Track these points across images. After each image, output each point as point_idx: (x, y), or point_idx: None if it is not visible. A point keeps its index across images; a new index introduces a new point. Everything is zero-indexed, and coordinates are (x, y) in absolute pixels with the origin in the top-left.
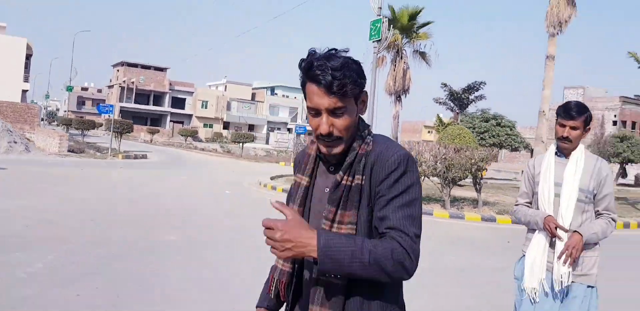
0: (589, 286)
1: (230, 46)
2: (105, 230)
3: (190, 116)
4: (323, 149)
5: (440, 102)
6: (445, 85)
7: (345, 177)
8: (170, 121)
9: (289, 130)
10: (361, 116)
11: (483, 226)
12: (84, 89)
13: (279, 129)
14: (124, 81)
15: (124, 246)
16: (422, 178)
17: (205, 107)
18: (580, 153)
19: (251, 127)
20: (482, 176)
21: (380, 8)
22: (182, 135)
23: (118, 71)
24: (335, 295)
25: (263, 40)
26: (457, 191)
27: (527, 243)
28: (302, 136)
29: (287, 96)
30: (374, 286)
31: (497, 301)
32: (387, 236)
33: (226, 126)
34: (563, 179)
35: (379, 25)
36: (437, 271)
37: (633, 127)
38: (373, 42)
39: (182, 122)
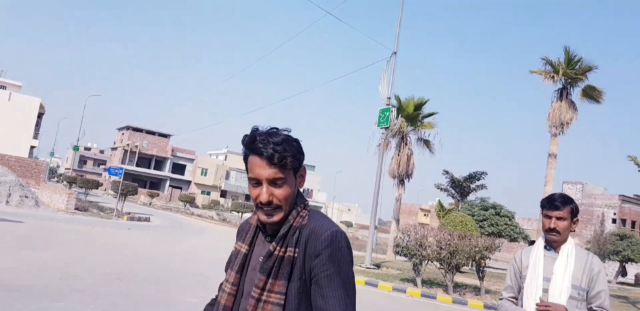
0: None
1: (234, 121)
2: (131, 288)
3: (189, 182)
4: (262, 218)
5: (441, 188)
6: (447, 172)
7: (277, 248)
8: (170, 185)
9: None
10: (299, 190)
11: None
12: (87, 148)
13: None
14: (128, 144)
15: (151, 305)
16: (426, 262)
17: (205, 175)
18: (570, 247)
19: (248, 196)
20: (484, 264)
21: (389, 98)
22: (181, 200)
23: (123, 134)
24: None
25: (269, 118)
26: (458, 277)
27: None
28: None
29: None
30: None
31: None
32: None
33: (223, 194)
34: (553, 274)
35: (387, 113)
36: None
37: (633, 226)
38: (381, 128)
39: (180, 188)
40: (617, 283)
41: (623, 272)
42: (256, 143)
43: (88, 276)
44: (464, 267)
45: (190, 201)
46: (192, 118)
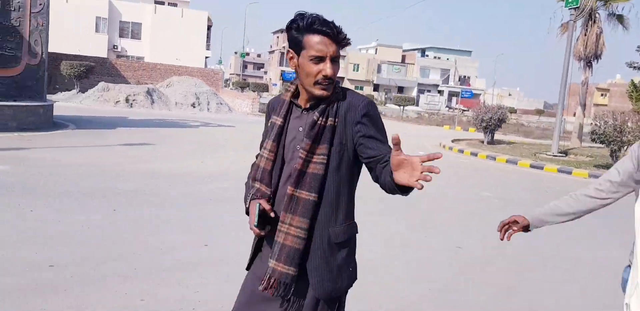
0: None
1: (381, 9)
2: None
3: (342, 78)
4: (320, 92)
5: (634, 67)
6: None
7: (321, 118)
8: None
9: (440, 92)
10: None
11: None
12: (247, 54)
13: (429, 91)
14: (284, 47)
15: None
16: (625, 148)
17: (357, 70)
18: None
19: (400, 89)
20: None
21: None
22: None
23: (278, 37)
24: (307, 207)
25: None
26: None
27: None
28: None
29: (439, 58)
30: (335, 203)
31: None
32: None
33: (376, 88)
34: None
35: None
36: None
37: None
38: (569, 9)
39: None
40: None
41: None
42: (318, 24)
43: None
44: None
45: None
46: (342, 15)
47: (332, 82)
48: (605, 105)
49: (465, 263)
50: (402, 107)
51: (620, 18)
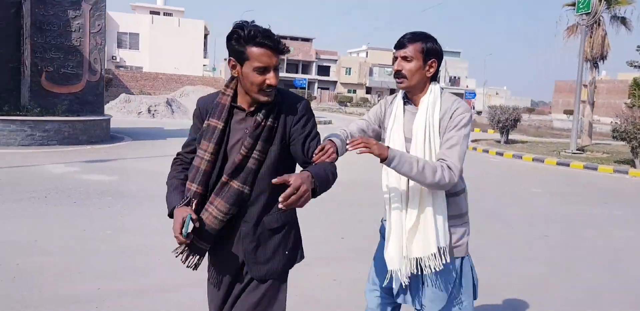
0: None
1: (371, 17)
2: None
3: (335, 82)
4: (265, 98)
5: (635, 66)
6: None
7: (264, 120)
8: (318, 88)
9: None
10: None
11: None
12: None
13: None
14: None
15: None
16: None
17: (349, 74)
18: (432, 98)
19: (392, 91)
20: None
21: None
22: (341, 101)
23: None
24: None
25: (402, 5)
26: None
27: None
28: (471, 100)
29: None
30: (269, 194)
31: None
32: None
33: (368, 91)
34: (412, 135)
35: None
36: None
37: None
38: (580, 15)
39: (327, 89)
40: None
41: None
42: (260, 37)
43: None
44: None
45: (349, 100)
46: (333, 20)
47: (275, 89)
48: (595, 101)
49: (556, 248)
50: None
51: (623, 20)
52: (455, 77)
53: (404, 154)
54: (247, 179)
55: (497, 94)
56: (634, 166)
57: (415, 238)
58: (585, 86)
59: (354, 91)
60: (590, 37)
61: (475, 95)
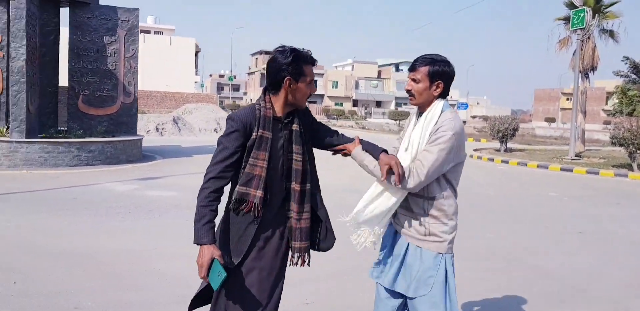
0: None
1: (358, 31)
2: None
3: (322, 95)
4: (305, 105)
5: (621, 75)
6: (628, 58)
7: (297, 126)
8: (307, 101)
9: None
10: None
11: None
12: (221, 76)
13: (405, 104)
14: (264, 68)
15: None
16: (638, 153)
17: (336, 87)
18: (432, 114)
19: (378, 103)
20: None
21: None
22: (328, 114)
23: (257, 59)
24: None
25: (387, 18)
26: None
27: None
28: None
29: None
30: (317, 186)
31: None
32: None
33: (355, 103)
34: (409, 145)
35: (582, 14)
36: None
37: None
38: (574, 30)
39: (315, 102)
40: None
41: None
42: (309, 58)
43: None
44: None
45: (340, 114)
46: (317, 32)
47: None
48: (570, 108)
49: (593, 242)
50: (398, 121)
51: (611, 33)
52: None
53: (363, 154)
54: (308, 179)
55: (478, 103)
56: (631, 169)
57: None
58: (564, 94)
59: (341, 104)
60: (582, 49)
61: (467, 106)
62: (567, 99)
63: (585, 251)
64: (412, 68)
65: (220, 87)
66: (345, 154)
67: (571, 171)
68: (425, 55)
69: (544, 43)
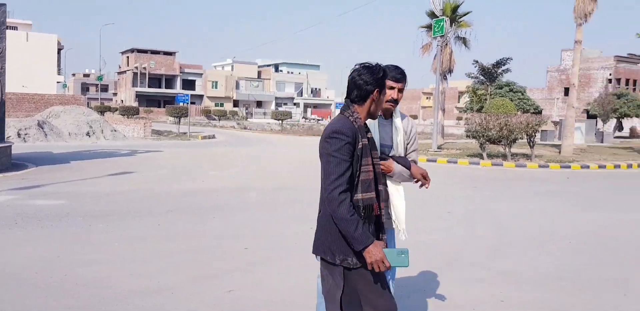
0: None
1: (234, 27)
2: None
3: (201, 96)
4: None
5: (472, 77)
6: (477, 62)
7: (370, 134)
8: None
9: (296, 104)
10: None
11: (542, 170)
12: (86, 75)
13: (285, 104)
14: (136, 67)
15: None
16: (487, 144)
17: (216, 88)
18: (396, 114)
19: (259, 103)
20: (535, 136)
21: (442, 9)
22: (215, 115)
23: (128, 57)
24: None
25: (267, 19)
26: (498, 148)
27: None
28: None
29: (292, 72)
30: None
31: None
32: None
33: (236, 104)
34: (392, 141)
35: (442, 23)
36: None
37: (627, 83)
38: (435, 37)
39: (194, 103)
40: (614, 137)
41: (620, 127)
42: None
43: (299, 187)
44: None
45: (222, 114)
46: (196, 33)
47: None
48: (430, 106)
49: (462, 220)
50: (281, 121)
51: (464, 40)
52: (316, 88)
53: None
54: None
55: None
56: (482, 158)
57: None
58: (425, 93)
59: (222, 105)
60: (442, 54)
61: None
62: (427, 98)
63: (454, 227)
64: (399, 80)
65: (85, 88)
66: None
67: (435, 161)
68: (398, 67)
69: (410, 47)
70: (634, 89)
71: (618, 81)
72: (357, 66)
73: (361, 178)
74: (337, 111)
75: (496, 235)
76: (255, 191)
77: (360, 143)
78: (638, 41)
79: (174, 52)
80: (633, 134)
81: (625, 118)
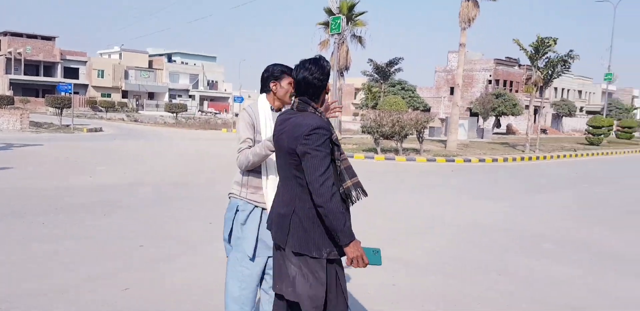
0: None
1: (122, 12)
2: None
3: (86, 85)
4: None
5: (367, 75)
6: (372, 60)
7: None
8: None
9: (191, 97)
10: None
11: (429, 164)
12: None
13: (180, 96)
14: (10, 52)
15: None
16: (381, 139)
17: (102, 77)
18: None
19: (151, 95)
20: (424, 132)
21: (339, 7)
22: (102, 106)
23: (0, 41)
24: None
25: (162, 7)
26: (391, 143)
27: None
28: (240, 104)
29: (186, 63)
30: None
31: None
32: None
33: (125, 95)
34: None
35: (338, 21)
36: (428, 187)
37: (505, 84)
38: (332, 35)
39: (77, 93)
40: (493, 133)
41: (498, 124)
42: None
43: (193, 180)
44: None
45: (110, 106)
46: (80, 17)
47: None
48: (358, 103)
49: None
50: (175, 113)
51: (360, 39)
52: (212, 81)
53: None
54: None
55: (249, 97)
56: (376, 152)
57: None
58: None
59: (109, 95)
60: (338, 51)
61: (243, 99)
62: (356, 94)
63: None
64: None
65: None
66: None
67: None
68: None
69: (308, 43)
70: (511, 90)
71: (497, 82)
72: (306, 64)
73: (344, 166)
74: (236, 105)
75: (386, 224)
76: (148, 186)
77: (334, 135)
78: (515, 46)
79: (54, 37)
80: (509, 130)
81: (502, 116)
